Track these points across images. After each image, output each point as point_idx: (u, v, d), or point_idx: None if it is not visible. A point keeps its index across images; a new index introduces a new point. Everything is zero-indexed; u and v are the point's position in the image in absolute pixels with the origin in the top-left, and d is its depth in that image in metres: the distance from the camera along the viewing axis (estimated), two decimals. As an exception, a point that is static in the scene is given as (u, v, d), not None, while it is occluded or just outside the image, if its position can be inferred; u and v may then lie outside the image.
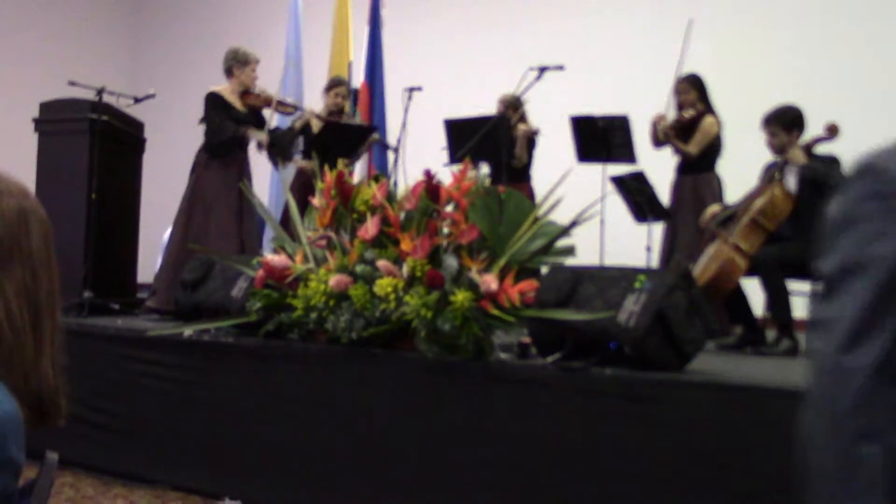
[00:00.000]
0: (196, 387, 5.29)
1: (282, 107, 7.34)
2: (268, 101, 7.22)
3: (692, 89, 7.08)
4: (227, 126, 6.95)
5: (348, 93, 8.32)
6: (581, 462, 4.05)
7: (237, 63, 7.14)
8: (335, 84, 8.20)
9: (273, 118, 7.27)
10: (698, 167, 7.04)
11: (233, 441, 5.11)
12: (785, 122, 5.87)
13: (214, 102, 7.06)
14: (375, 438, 4.66)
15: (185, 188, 7.08)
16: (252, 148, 7.27)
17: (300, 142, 7.94)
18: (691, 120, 7.04)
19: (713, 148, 7.04)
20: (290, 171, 8.32)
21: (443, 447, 4.45)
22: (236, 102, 7.13)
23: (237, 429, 5.10)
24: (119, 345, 5.66)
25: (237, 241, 6.88)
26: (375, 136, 8.36)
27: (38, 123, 7.07)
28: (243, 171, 7.11)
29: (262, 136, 7.11)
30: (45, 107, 7.10)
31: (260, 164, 7.82)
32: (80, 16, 13.10)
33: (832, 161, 5.70)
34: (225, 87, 7.17)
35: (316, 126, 8.00)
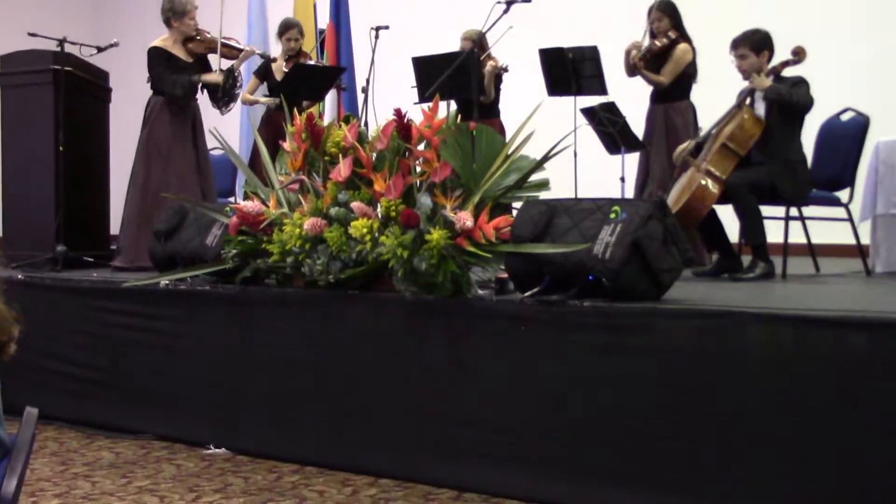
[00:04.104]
0: (175, 336, 5.28)
1: (226, 49, 7.10)
2: (211, 46, 6.99)
3: (665, 16, 6.95)
4: (180, 79, 6.77)
5: (301, 34, 8.19)
6: (561, 395, 4.09)
7: (174, 14, 6.84)
8: (286, 28, 8.09)
9: (220, 62, 7.06)
10: (671, 96, 6.96)
11: (215, 389, 5.12)
12: (753, 43, 5.84)
13: (157, 58, 6.83)
14: (357, 380, 4.68)
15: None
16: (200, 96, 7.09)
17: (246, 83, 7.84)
18: (663, 48, 6.94)
19: (686, 76, 6.95)
20: (258, 115, 8.24)
21: (424, 385, 4.48)
22: (180, 52, 6.90)
23: (218, 376, 5.11)
24: (95, 298, 5.64)
25: (198, 190, 6.75)
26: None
27: (0, 77, 6.96)
28: (197, 122, 6.97)
29: (215, 76, 6.91)
30: (6, 59, 6.97)
31: (229, 113, 7.71)
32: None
33: (799, 82, 5.70)
34: (166, 38, 6.92)
35: (276, 70, 7.91)
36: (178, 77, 6.77)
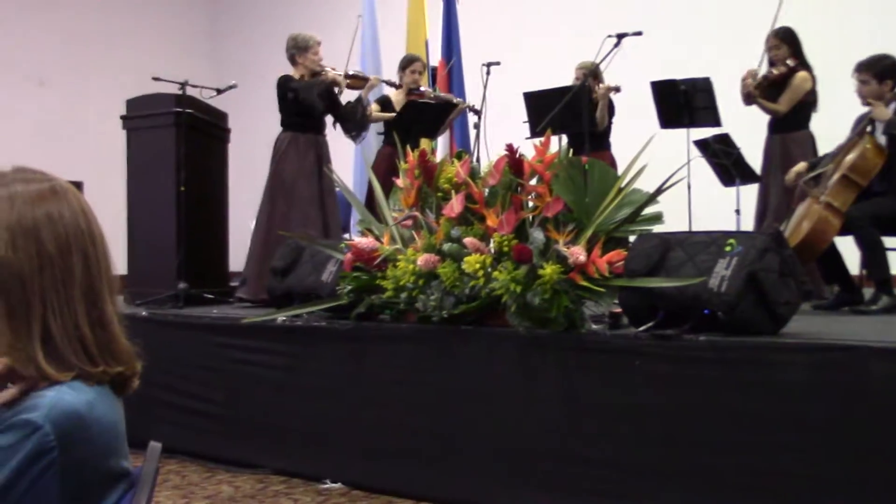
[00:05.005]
0: (292, 371, 5.36)
1: (352, 80, 7.32)
2: (336, 80, 7.21)
3: (783, 44, 6.75)
4: (311, 84, 6.99)
5: (424, 68, 8.30)
6: (678, 430, 4.02)
7: (298, 50, 7.13)
8: (410, 61, 8.18)
9: (343, 94, 7.26)
10: (789, 125, 6.75)
11: (330, 423, 5.17)
12: (877, 70, 5.70)
13: (289, 81, 7.10)
14: (471, 414, 4.68)
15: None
16: (329, 131, 7.27)
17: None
18: (781, 76, 6.76)
19: (805, 105, 6.73)
20: (372, 152, 8.34)
21: (538, 420, 4.45)
22: None
23: (334, 411, 5.16)
24: (215, 333, 5.76)
25: (320, 226, 6.91)
26: (461, 103, 8.34)
27: (126, 120, 7.20)
28: (322, 156, 7.13)
29: (338, 75, 7.15)
30: (132, 103, 7.22)
31: (341, 148, 7.84)
32: (159, 12, 13.30)
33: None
34: (294, 73, 7.20)
35: (397, 102, 7.99)
36: (309, 84, 6.97)
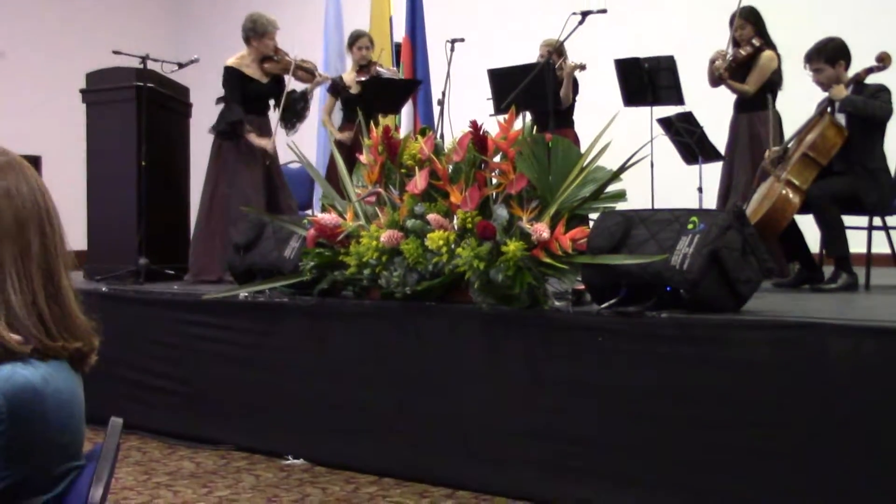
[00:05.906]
0: (254, 347, 5.34)
1: (301, 72, 7.13)
2: (286, 68, 7.01)
3: (748, 24, 6.74)
4: (232, 115, 6.78)
5: (371, 42, 8.24)
6: (640, 406, 4.05)
7: (255, 33, 6.91)
8: (356, 38, 8.12)
9: (291, 83, 7.08)
10: (756, 104, 6.75)
11: (293, 400, 5.16)
12: (827, 55, 5.73)
13: (232, 78, 6.90)
14: (433, 391, 4.69)
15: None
16: (271, 112, 7.13)
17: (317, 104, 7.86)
18: (748, 57, 6.76)
19: (772, 84, 6.77)
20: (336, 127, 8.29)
21: (500, 397, 4.47)
22: (256, 72, 6.94)
23: (296, 387, 5.16)
24: (176, 310, 5.73)
25: (262, 208, 6.72)
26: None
27: (86, 94, 7.12)
28: (266, 136, 7.01)
29: (267, 143, 6.82)
30: (92, 77, 7.15)
31: (305, 124, 7.75)
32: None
33: (880, 91, 5.59)
34: (243, 57, 6.97)
35: (348, 80, 7.95)
36: (232, 114, 6.78)
